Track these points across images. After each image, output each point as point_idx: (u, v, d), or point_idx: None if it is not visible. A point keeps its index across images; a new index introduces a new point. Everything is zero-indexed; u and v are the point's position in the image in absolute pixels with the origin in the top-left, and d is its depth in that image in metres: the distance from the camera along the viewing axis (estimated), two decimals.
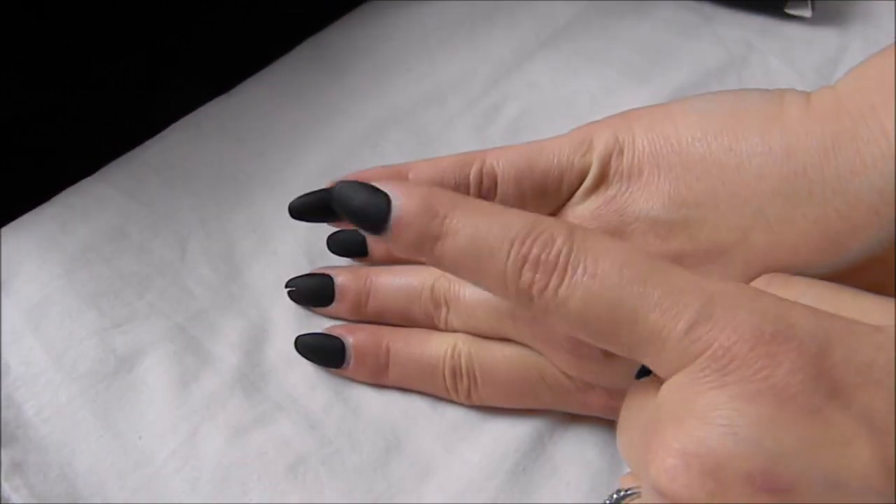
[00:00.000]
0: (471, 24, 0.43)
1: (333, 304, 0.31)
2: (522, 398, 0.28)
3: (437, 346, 0.29)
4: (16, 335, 0.30)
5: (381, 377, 0.30)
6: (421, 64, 0.41)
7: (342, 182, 0.22)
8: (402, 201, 0.21)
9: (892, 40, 0.41)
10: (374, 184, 0.22)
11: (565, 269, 0.19)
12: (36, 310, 0.31)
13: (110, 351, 0.30)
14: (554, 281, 0.19)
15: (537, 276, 0.19)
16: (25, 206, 0.34)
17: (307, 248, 0.34)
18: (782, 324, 0.17)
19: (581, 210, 0.25)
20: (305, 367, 0.30)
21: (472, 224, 0.20)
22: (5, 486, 0.26)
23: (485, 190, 0.26)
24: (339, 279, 0.31)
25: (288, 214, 0.35)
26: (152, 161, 0.36)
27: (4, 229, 0.33)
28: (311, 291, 0.31)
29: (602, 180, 0.25)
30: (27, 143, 0.37)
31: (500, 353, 0.28)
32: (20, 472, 0.27)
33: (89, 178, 0.36)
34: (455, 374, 0.29)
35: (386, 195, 0.21)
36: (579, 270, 0.19)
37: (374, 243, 0.32)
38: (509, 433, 0.29)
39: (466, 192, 0.26)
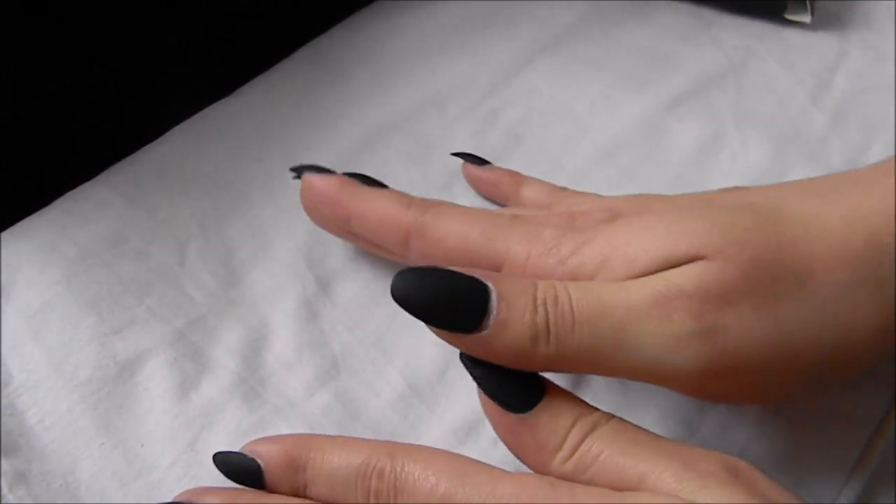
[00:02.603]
0: (470, 30, 0.43)
1: None
2: None
3: None
4: (17, 342, 0.30)
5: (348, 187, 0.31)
6: (420, 69, 0.41)
7: (220, 453, 0.26)
8: (266, 461, 0.25)
9: (892, 46, 0.42)
10: (243, 449, 0.26)
11: (395, 489, 0.23)
12: (36, 316, 0.30)
13: (110, 357, 0.30)
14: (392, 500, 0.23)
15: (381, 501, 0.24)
16: (24, 211, 0.34)
17: (307, 253, 0.34)
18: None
19: None
20: (304, 372, 0.30)
21: (328, 469, 0.25)
22: (10, 497, 0.26)
23: None
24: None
25: (288, 219, 0.35)
26: (152, 166, 0.36)
27: (4, 234, 0.33)
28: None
29: None
30: (26, 147, 0.37)
31: None
32: (24, 483, 0.27)
33: (88, 183, 0.36)
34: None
35: (255, 461, 0.25)
36: (408, 484, 0.23)
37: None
38: None
39: None
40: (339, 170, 0.36)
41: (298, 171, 0.32)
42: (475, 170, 0.36)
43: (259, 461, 0.25)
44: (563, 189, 0.34)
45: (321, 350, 0.31)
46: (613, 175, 0.37)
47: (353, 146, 0.38)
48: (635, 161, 0.37)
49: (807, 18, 0.42)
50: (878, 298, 0.24)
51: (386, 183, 0.36)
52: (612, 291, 0.24)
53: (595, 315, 0.23)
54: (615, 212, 0.27)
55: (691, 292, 0.23)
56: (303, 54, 0.42)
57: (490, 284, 0.23)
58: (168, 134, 0.38)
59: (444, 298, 0.23)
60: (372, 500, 0.24)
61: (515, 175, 0.35)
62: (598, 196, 0.33)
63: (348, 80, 0.41)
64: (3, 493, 0.26)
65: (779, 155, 0.38)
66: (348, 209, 0.31)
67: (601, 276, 0.25)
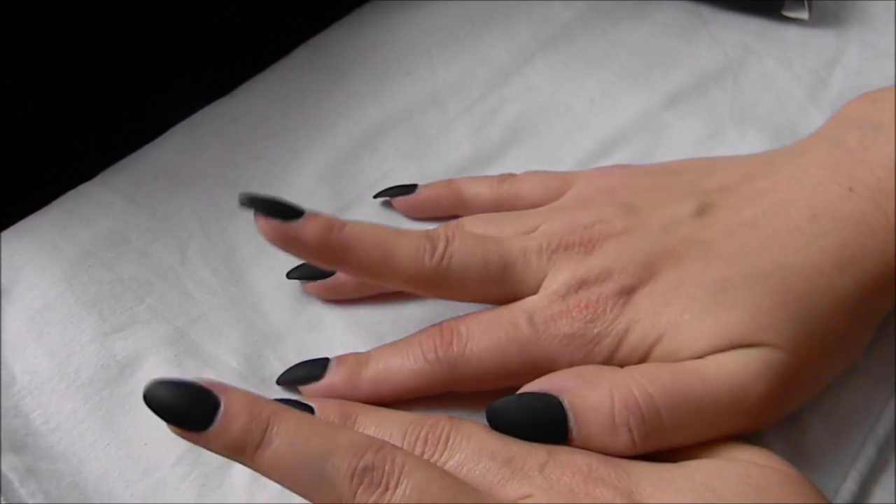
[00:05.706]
0: (469, 28, 0.43)
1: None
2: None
3: None
4: (20, 343, 0.30)
5: (359, 376, 0.28)
6: (420, 67, 0.41)
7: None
8: (320, 407, 0.26)
9: (890, 43, 0.42)
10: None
11: (449, 434, 0.25)
12: (38, 317, 0.31)
13: (111, 357, 0.30)
14: (438, 450, 0.24)
15: (426, 450, 0.25)
16: (24, 211, 0.34)
17: None
18: (609, 465, 0.23)
19: None
20: None
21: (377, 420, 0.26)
22: (22, 490, 0.26)
23: None
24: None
25: None
26: (152, 165, 0.36)
27: (4, 234, 0.33)
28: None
29: None
30: (26, 147, 0.37)
31: None
32: (35, 478, 0.27)
33: (89, 183, 0.36)
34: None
35: (308, 405, 0.26)
36: (462, 430, 0.25)
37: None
38: None
39: None
40: (338, 168, 0.37)
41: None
42: (408, 199, 0.35)
43: (313, 405, 0.26)
44: (503, 180, 0.34)
45: (323, 349, 0.31)
46: None
47: (352, 144, 0.38)
48: (635, 158, 0.37)
49: (805, 15, 0.43)
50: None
51: (386, 182, 0.36)
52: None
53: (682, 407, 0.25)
54: (624, 284, 0.27)
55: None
56: (302, 52, 0.42)
57: (565, 402, 0.25)
58: (168, 133, 0.38)
59: (524, 419, 0.25)
60: (418, 447, 0.24)
61: (449, 183, 0.35)
62: (543, 174, 0.34)
63: (347, 78, 0.41)
64: (14, 486, 0.26)
65: None
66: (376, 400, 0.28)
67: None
